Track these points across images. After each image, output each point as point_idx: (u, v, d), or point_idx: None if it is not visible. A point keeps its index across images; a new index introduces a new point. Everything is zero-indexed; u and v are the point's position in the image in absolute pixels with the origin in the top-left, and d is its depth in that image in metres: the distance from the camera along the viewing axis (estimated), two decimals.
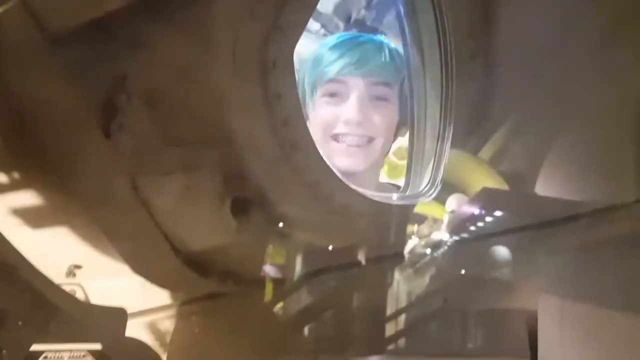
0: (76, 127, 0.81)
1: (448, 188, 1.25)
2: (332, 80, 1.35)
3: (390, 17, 2.50)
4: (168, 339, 1.24)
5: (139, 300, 1.17)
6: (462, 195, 1.29)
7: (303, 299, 1.23)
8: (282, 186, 0.99)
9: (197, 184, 0.89)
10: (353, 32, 1.53)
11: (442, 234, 1.31)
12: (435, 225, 1.33)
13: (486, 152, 1.27)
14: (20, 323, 0.82)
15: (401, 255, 1.26)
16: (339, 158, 1.33)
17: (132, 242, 0.93)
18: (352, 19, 2.59)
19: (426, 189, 1.20)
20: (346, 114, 1.33)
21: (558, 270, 1.16)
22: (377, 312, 1.28)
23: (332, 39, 1.41)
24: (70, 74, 0.78)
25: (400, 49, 1.39)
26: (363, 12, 2.55)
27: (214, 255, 1.00)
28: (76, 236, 1.01)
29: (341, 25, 2.63)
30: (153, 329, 1.26)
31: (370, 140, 1.36)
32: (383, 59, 1.34)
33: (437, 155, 1.17)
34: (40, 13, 0.72)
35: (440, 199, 1.27)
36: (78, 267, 1.12)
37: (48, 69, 0.77)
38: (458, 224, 1.28)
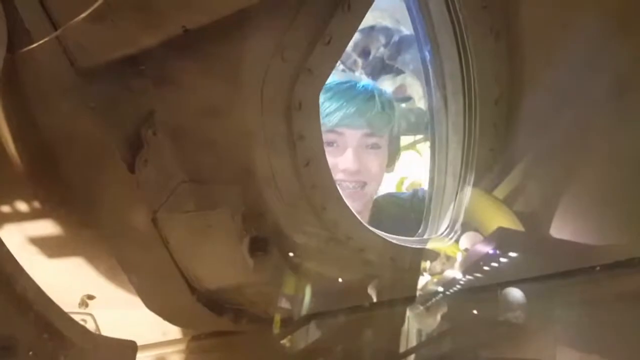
0: (101, 160, 0.81)
1: (462, 226, 1.24)
2: (329, 131, 1.43)
3: (408, 56, 2.53)
4: None
5: (149, 333, 1.16)
6: (476, 233, 1.27)
7: (315, 338, 1.21)
8: (300, 226, 0.99)
9: (216, 222, 0.88)
10: (350, 79, 1.61)
11: (454, 272, 1.29)
12: (447, 263, 1.31)
13: (502, 191, 1.26)
14: (30, 353, 0.81)
15: (414, 299, 1.24)
16: None
17: (148, 277, 0.92)
18: (371, 56, 2.62)
19: (445, 232, 1.18)
20: (344, 164, 1.44)
21: (576, 323, 1.14)
22: (387, 352, 1.26)
23: (328, 86, 1.48)
24: (98, 107, 0.78)
25: (391, 97, 1.54)
26: (382, 50, 2.58)
27: (229, 293, 0.99)
28: (90, 267, 1.01)
29: (360, 61, 2.67)
30: None
31: (364, 185, 1.47)
32: (376, 110, 1.45)
33: (457, 198, 1.16)
34: (74, 49, 0.73)
35: None
36: (91, 297, 1.11)
37: (77, 102, 0.77)
38: (471, 263, 1.26)
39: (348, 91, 1.47)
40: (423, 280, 1.27)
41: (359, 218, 1.04)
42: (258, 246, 0.94)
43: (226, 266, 0.91)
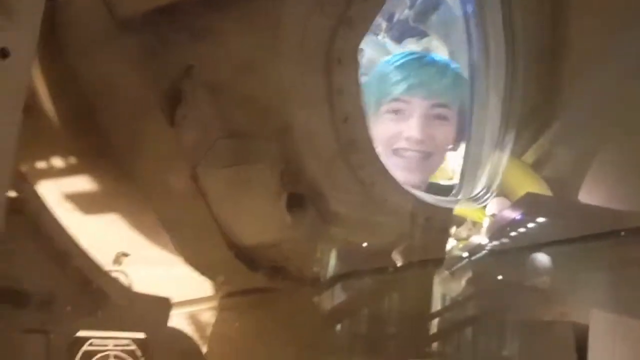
0: (141, 113, 0.80)
1: (498, 188, 1.22)
2: (396, 99, 1.39)
3: (434, 18, 2.47)
4: (209, 330, 1.23)
5: (181, 290, 1.16)
6: (503, 199, 1.26)
7: (345, 298, 1.21)
8: (337, 184, 0.98)
9: (255, 178, 0.87)
10: (419, 51, 1.56)
11: (481, 238, 1.28)
12: (474, 229, 1.30)
13: (530, 156, 1.25)
14: (68, 308, 0.81)
15: (442, 260, 1.24)
16: (397, 172, 1.34)
17: (187, 232, 0.92)
18: (395, 19, 2.56)
19: (480, 194, 1.17)
20: (408, 132, 1.37)
21: (605, 285, 1.13)
22: (414, 315, 1.26)
23: (397, 57, 1.45)
24: (138, 60, 0.78)
25: (462, 71, 1.43)
26: (407, 12, 2.52)
27: (266, 250, 0.99)
28: (125, 224, 1.01)
29: (384, 24, 2.60)
30: (194, 320, 1.25)
31: (428, 156, 1.40)
32: (446, 82, 1.38)
33: (494, 161, 1.15)
34: None
35: None
36: (125, 254, 1.12)
37: (116, 54, 0.76)
38: (498, 229, 1.25)
39: (417, 61, 1.43)
40: (449, 245, 1.27)
41: (395, 179, 1.03)
42: (295, 202, 0.93)
43: (264, 221, 0.91)
